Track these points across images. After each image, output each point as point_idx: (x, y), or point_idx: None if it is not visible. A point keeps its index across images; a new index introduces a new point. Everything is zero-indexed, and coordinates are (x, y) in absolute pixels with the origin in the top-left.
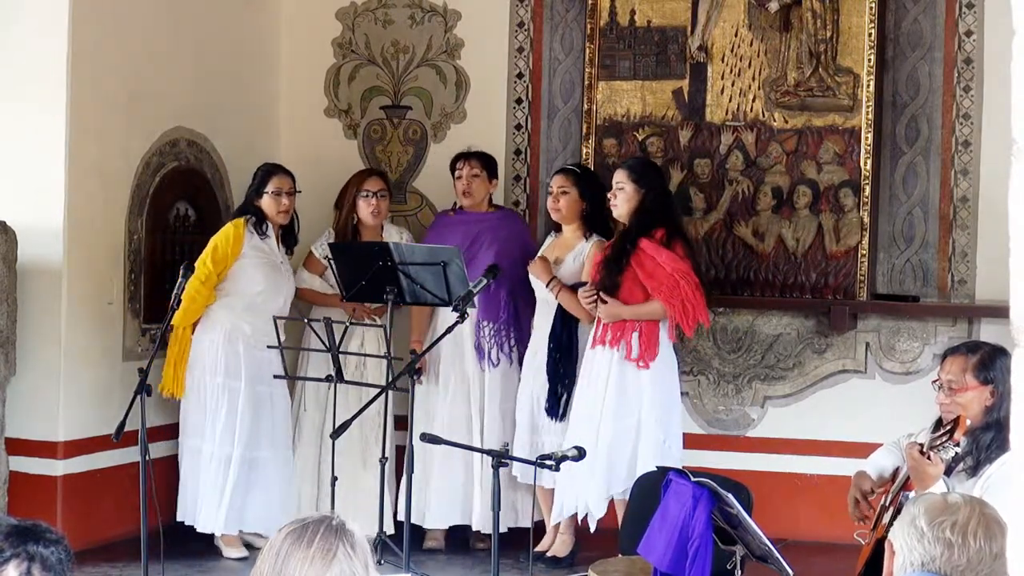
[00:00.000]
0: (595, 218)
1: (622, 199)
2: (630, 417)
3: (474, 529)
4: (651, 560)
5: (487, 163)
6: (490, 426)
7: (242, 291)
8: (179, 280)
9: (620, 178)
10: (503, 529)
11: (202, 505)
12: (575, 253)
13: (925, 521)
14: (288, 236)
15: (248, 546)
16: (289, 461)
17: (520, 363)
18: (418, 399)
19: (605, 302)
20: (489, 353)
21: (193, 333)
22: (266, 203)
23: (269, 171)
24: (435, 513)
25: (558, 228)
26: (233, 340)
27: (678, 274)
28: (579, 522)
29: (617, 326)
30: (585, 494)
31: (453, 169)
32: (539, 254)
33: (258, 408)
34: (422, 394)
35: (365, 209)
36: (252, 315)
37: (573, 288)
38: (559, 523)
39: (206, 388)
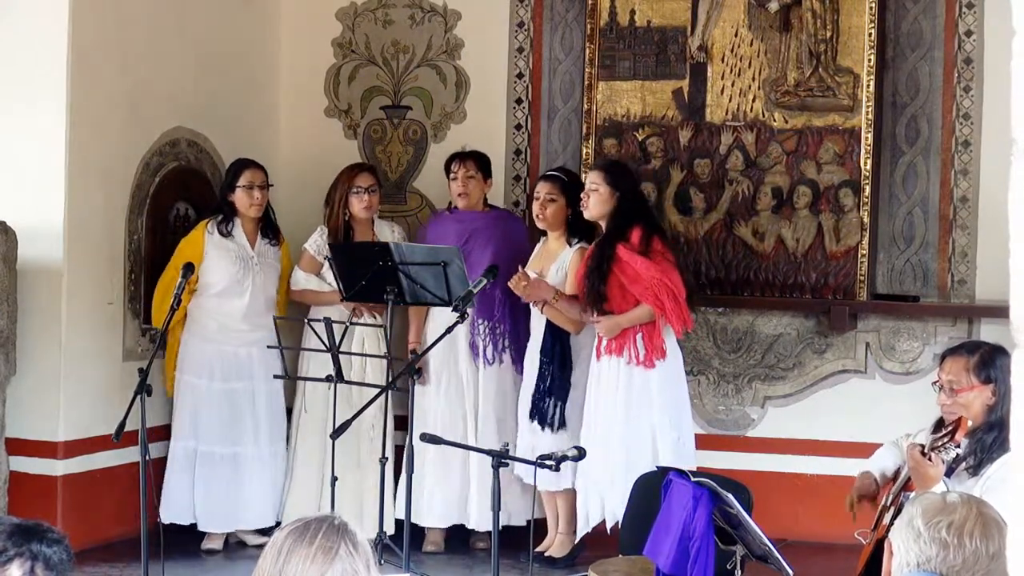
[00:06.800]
0: (579, 224)
1: (596, 200)
2: (643, 420)
3: (470, 527)
4: (658, 562)
5: (482, 163)
6: (484, 425)
7: (207, 290)
8: (180, 281)
9: (595, 179)
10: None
11: (168, 498)
12: (558, 264)
13: (922, 521)
14: (267, 228)
15: (241, 543)
16: (277, 458)
17: (515, 362)
18: (417, 399)
19: (598, 321)
20: (484, 351)
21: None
22: (238, 197)
23: (241, 165)
24: (431, 513)
25: (544, 233)
26: (201, 338)
27: (653, 283)
28: (608, 531)
29: (619, 334)
30: (610, 502)
31: (448, 170)
32: (525, 267)
33: (234, 405)
34: (418, 394)
35: (357, 205)
36: (218, 313)
37: None
38: (559, 523)
39: (179, 385)
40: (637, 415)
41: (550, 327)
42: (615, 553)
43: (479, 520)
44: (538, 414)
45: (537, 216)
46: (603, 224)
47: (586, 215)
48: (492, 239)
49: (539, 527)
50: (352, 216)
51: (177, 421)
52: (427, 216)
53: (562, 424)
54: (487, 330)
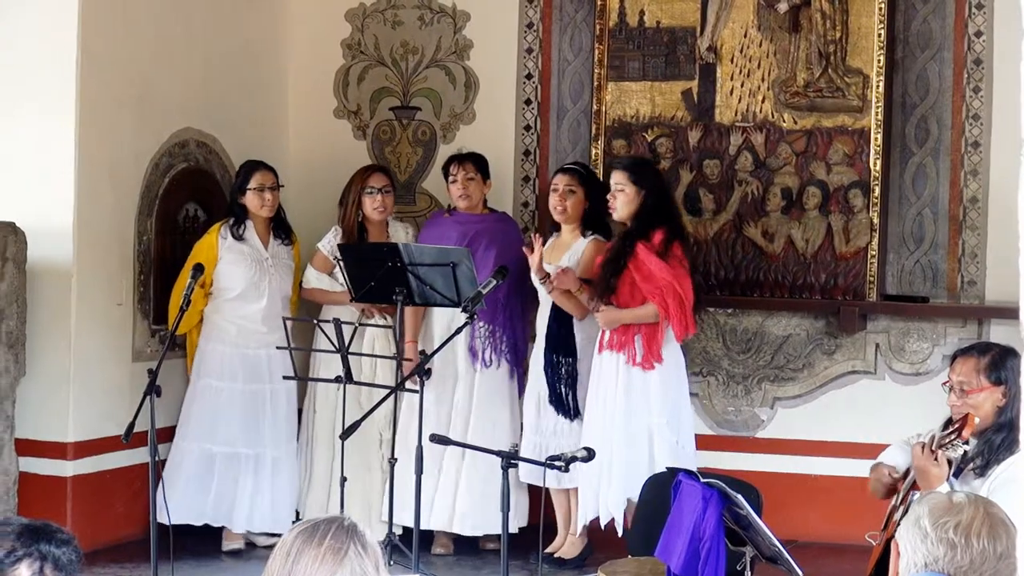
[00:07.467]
0: (594, 218)
1: (623, 201)
2: (641, 420)
3: (439, 529)
4: (669, 563)
5: (480, 165)
6: (482, 429)
7: (224, 294)
8: (188, 282)
9: (620, 179)
10: (479, 533)
11: (178, 499)
12: (571, 253)
13: (929, 521)
14: (280, 228)
15: (251, 544)
16: (292, 459)
17: (513, 367)
18: (411, 399)
19: (599, 310)
20: (483, 354)
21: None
22: (249, 199)
23: (251, 167)
24: (433, 517)
25: (556, 229)
26: (219, 341)
27: (664, 284)
28: (602, 527)
29: (621, 330)
30: (605, 498)
31: (446, 173)
32: (539, 262)
33: (255, 407)
34: (412, 395)
35: (370, 206)
36: (236, 315)
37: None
38: (570, 524)
39: (194, 388)
40: (636, 415)
41: (554, 316)
42: (625, 554)
43: (457, 523)
44: (554, 399)
45: (555, 208)
46: (628, 224)
47: (615, 216)
48: (495, 241)
49: (530, 529)
50: (365, 217)
51: (190, 423)
52: None
53: (577, 412)
54: (487, 333)
